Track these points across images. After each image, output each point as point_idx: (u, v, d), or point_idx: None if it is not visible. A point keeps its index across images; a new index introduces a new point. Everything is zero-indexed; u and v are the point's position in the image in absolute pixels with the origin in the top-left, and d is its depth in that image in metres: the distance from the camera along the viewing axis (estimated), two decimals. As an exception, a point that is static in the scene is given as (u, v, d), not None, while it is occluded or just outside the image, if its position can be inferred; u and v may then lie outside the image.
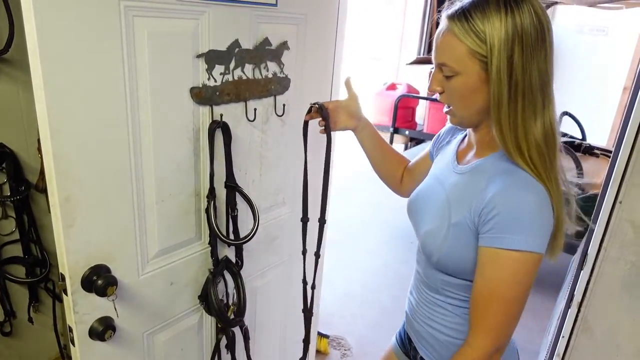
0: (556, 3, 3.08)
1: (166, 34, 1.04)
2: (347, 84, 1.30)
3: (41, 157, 1.61)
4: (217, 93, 1.18)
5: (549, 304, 2.99)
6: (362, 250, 3.79)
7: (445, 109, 1.00)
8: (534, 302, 3.07)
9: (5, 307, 1.69)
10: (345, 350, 2.62)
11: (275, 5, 1.27)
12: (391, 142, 4.01)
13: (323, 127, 1.23)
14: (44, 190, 1.68)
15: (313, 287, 1.35)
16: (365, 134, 1.30)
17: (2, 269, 1.63)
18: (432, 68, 0.98)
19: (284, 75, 1.37)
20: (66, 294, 1.01)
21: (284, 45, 1.33)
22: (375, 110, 4.68)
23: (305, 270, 1.37)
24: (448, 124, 1.16)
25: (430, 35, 5.54)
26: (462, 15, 0.88)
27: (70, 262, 0.98)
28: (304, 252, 1.35)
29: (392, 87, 4.87)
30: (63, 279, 1.00)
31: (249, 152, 1.35)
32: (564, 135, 3.50)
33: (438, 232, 0.98)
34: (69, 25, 0.87)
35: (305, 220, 1.31)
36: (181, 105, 1.12)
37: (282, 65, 1.35)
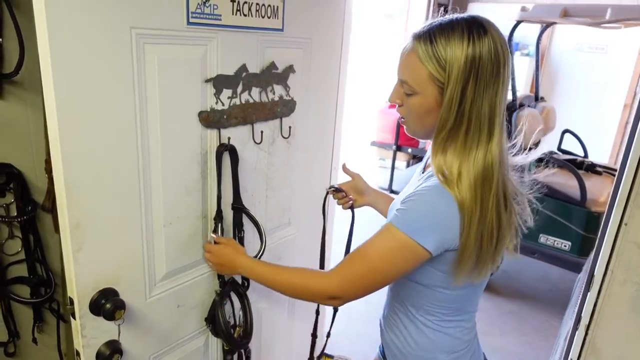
0: (555, 23, 3.13)
1: (176, 60, 1.06)
2: (345, 169, 1.40)
3: (48, 178, 1.63)
4: (225, 117, 1.20)
5: (555, 322, 2.97)
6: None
7: (400, 119, 1.05)
8: (540, 320, 3.06)
9: (10, 327, 1.68)
10: (349, 370, 2.59)
11: (282, 30, 1.29)
12: (394, 159, 4.02)
13: (348, 203, 1.33)
14: (50, 210, 1.68)
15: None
16: (381, 205, 1.36)
17: (7, 289, 1.63)
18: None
19: (290, 98, 1.39)
20: (74, 318, 1.01)
21: (290, 69, 1.35)
22: (378, 128, 4.70)
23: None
24: None
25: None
26: (427, 38, 0.91)
27: (79, 286, 0.99)
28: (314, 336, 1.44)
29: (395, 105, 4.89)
30: (72, 302, 1.00)
31: (255, 173, 1.36)
32: (567, 152, 3.51)
33: None
34: (82, 51, 0.89)
35: (317, 312, 1.41)
36: (189, 129, 1.14)
37: (288, 88, 1.37)
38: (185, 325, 1.28)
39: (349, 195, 1.33)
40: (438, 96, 0.92)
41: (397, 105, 1.02)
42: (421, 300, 1.06)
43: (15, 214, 1.59)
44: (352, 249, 1.36)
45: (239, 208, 1.29)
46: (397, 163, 4.44)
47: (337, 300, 1.00)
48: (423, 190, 0.94)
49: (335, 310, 1.38)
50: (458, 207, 0.90)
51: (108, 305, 1.01)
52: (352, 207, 1.34)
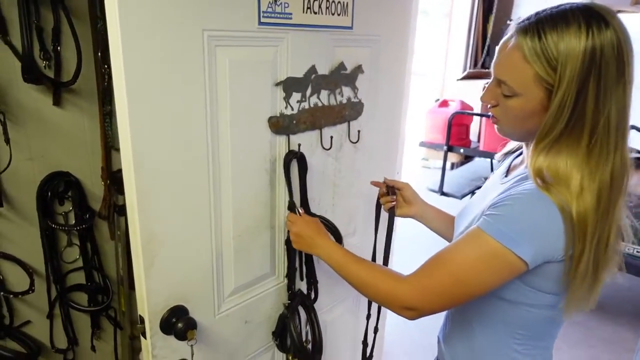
0: (623, 11, 2.92)
1: (246, 62, 1.00)
2: (388, 179, 1.28)
3: (104, 185, 1.61)
4: (294, 122, 1.13)
5: (625, 334, 2.78)
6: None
7: (492, 119, 0.93)
8: (608, 331, 2.87)
9: (69, 334, 1.67)
10: (404, 381, 2.49)
11: (351, 28, 1.21)
12: (445, 160, 3.85)
13: (390, 204, 1.23)
14: (107, 218, 1.67)
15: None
16: (431, 219, 1.26)
17: (66, 297, 1.62)
18: (486, 83, 0.90)
19: (358, 100, 1.30)
20: (144, 337, 0.96)
21: (358, 69, 1.26)
22: (428, 127, 4.52)
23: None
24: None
25: (476, 51, 5.34)
26: (535, 33, 0.78)
27: (150, 304, 0.94)
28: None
29: (445, 103, 4.70)
30: (142, 321, 0.95)
31: (323, 181, 1.28)
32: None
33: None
34: (155, 55, 0.84)
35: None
36: (259, 135, 1.07)
37: (356, 89, 1.28)
38: (252, 341, 1.22)
39: (396, 197, 1.24)
40: (545, 99, 0.80)
41: (490, 106, 0.90)
42: (501, 318, 0.93)
43: (74, 222, 1.58)
44: (390, 256, 1.28)
45: (307, 217, 1.22)
46: (449, 163, 4.27)
47: (412, 311, 0.86)
48: (519, 194, 0.81)
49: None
50: (563, 217, 0.77)
51: (180, 325, 0.95)
52: (392, 210, 1.23)
